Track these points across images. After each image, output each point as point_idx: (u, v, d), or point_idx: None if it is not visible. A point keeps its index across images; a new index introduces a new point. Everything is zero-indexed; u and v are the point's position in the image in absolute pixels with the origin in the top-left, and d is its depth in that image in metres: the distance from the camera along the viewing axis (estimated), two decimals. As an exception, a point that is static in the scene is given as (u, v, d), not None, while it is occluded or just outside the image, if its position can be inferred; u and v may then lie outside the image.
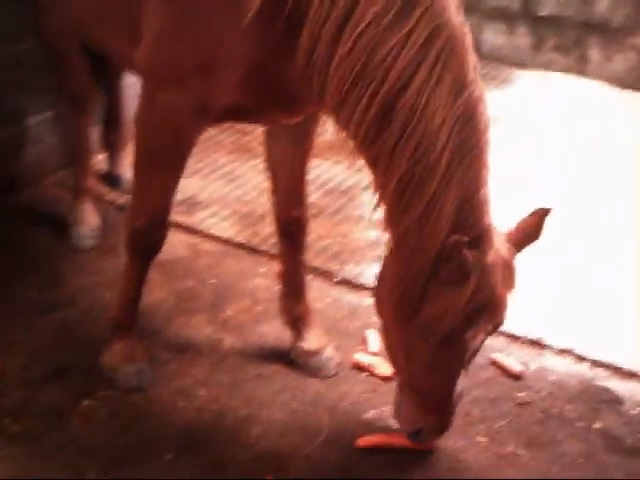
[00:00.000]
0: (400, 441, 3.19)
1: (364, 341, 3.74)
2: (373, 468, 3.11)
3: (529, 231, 2.83)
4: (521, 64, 7.27)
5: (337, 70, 2.60)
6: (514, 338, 3.84)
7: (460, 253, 2.56)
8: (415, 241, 2.66)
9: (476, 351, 2.86)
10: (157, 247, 3.31)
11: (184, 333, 3.73)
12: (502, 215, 4.50)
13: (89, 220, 4.38)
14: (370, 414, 3.34)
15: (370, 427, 3.28)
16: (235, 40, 2.74)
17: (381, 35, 2.54)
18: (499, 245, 2.73)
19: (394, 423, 3.28)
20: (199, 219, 4.59)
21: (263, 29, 2.68)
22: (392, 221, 2.74)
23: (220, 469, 3.04)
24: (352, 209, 4.79)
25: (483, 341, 2.85)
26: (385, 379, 3.51)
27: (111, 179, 4.81)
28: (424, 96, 2.54)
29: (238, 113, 3.04)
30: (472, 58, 2.63)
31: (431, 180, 2.59)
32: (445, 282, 2.64)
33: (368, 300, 3.98)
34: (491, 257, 2.67)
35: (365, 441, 3.20)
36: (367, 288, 4.07)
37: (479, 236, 2.66)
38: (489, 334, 2.85)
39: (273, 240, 3.88)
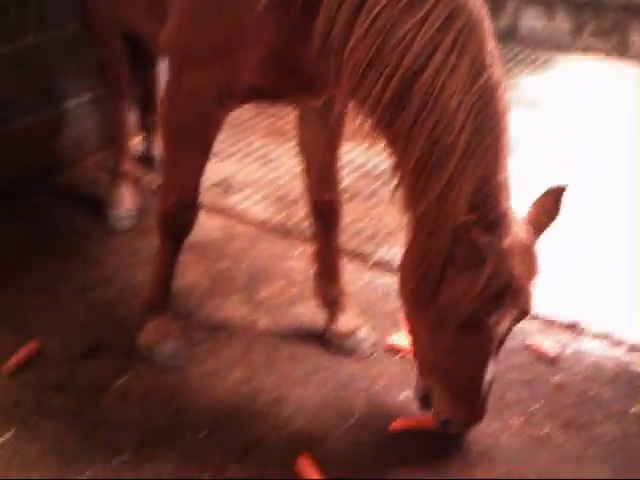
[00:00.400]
0: (433, 424, 3.20)
1: (398, 323, 3.72)
2: (406, 450, 3.11)
3: (547, 211, 2.77)
4: (560, 48, 7.19)
5: (353, 52, 2.58)
6: (550, 322, 3.82)
7: (468, 234, 2.53)
8: (432, 224, 2.62)
9: (503, 338, 2.81)
10: (187, 228, 3.33)
11: (218, 314, 3.75)
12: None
13: (126, 202, 4.42)
14: (404, 396, 3.33)
15: (403, 409, 3.27)
16: (254, 23, 2.75)
17: (397, 17, 2.51)
18: (518, 229, 2.67)
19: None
20: (233, 202, 4.61)
21: (281, 12, 2.69)
22: (410, 204, 2.71)
23: (252, 449, 3.06)
24: (386, 192, 4.72)
25: (510, 328, 2.79)
26: (419, 361, 3.50)
27: (147, 161, 4.85)
28: (440, 79, 2.50)
29: (260, 94, 3.04)
30: (491, 41, 2.58)
31: (448, 162, 2.55)
32: (461, 266, 2.61)
33: (402, 282, 4.00)
34: (508, 241, 2.61)
35: (398, 424, 3.19)
36: (401, 270, 4.08)
37: (496, 220, 2.61)
38: (516, 320, 2.78)
39: (307, 223, 3.88)
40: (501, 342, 2.82)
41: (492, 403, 3.29)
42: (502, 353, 3.52)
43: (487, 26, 2.58)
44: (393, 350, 3.59)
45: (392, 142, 2.68)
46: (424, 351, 2.93)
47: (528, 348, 3.65)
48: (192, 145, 3.13)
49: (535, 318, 3.82)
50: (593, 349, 3.68)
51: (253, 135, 5.39)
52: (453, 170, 2.55)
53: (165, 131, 3.21)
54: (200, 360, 3.47)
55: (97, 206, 4.43)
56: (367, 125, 2.72)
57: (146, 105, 4.84)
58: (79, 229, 4.30)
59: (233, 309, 3.79)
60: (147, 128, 4.90)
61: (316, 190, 3.47)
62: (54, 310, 3.66)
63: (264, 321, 3.73)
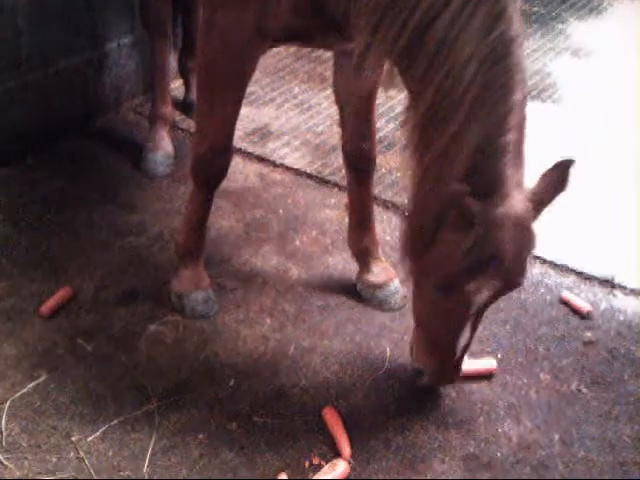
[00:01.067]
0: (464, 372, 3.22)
1: (431, 275, 3.71)
2: (431, 404, 3.13)
3: (554, 184, 2.62)
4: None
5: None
6: (584, 277, 3.78)
7: (461, 202, 2.45)
8: (433, 180, 2.58)
9: (482, 307, 2.73)
10: (221, 174, 3.33)
11: (252, 262, 3.77)
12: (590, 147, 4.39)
13: (164, 147, 4.43)
14: (433, 348, 3.34)
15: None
16: None
17: None
18: (516, 200, 2.54)
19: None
20: (271, 149, 4.59)
21: None
22: (416, 155, 2.64)
23: (279, 398, 3.10)
24: (425, 141, 4.72)
25: (492, 299, 2.70)
26: (450, 314, 3.50)
27: (186, 106, 4.84)
28: (454, 29, 2.42)
29: (293, 35, 3.01)
30: None
31: (454, 117, 2.47)
32: (452, 228, 2.55)
33: (436, 234, 3.97)
34: (502, 210, 2.51)
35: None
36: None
37: (492, 186, 2.51)
38: (498, 294, 2.69)
39: (343, 172, 3.86)
40: (479, 312, 2.76)
41: (521, 357, 3.32)
42: (534, 307, 3.56)
43: None
44: (425, 302, 3.58)
45: (408, 88, 2.63)
46: (413, 300, 2.98)
47: (561, 302, 3.62)
48: (226, 88, 3.12)
49: (570, 272, 3.80)
50: (626, 306, 3.64)
51: (293, 81, 5.33)
52: (458, 127, 2.48)
53: (201, 75, 3.20)
54: (232, 308, 3.50)
55: (135, 151, 4.45)
56: (386, 69, 2.67)
57: (186, 50, 4.81)
58: (117, 174, 4.33)
59: (266, 257, 3.81)
60: (186, 73, 4.88)
61: (351, 138, 3.44)
62: (89, 255, 3.72)
63: (296, 270, 3.74)
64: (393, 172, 4.42)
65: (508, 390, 3.20)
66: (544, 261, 3.85)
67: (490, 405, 3.14)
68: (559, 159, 2.61)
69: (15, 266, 3.61)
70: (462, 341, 2.82)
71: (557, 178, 2.61)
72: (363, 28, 2.61)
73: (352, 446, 2.91)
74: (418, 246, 2.71)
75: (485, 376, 3.24)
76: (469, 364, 3.25)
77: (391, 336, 3.41)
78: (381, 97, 5.08)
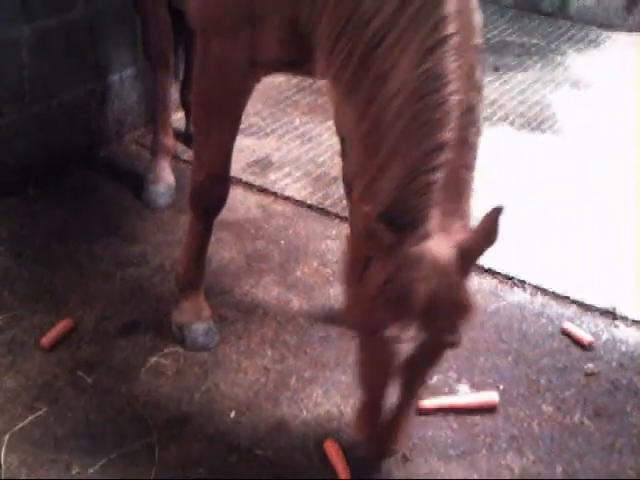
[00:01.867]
0: (462, 403, 3.22)
1: (432, 306, 3.71)
2: (434, 431, 3.11)
3: (483, 235, 2.37)
4: (611, 26, 7.03)
5: (326, 24, 2.56)
6: (586, 307, 3.77)
7: (368, 227, 2.32)
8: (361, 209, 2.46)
9: (414, 364, 2.48)
10: (219, 204, 3.35)
11: (253, 293, 3.77)
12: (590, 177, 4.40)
13: (165, 178, 4.45)
14: (434, 379, 3.32)
15: (434, 392, 3.26)
16: None
17: None
18: (437, 243, 2.36)
19: (458, 388, 3.30)
20: (272, 180, 4.61)
21: None
22: (354, 181, 2.60)
23: (282, 429, 3.08)
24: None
25: (418, 355, 2.45)
26: (451, 345, 3.49)
27: (187, 138, 4.86)
28: (391, 58, 2.38)
29: (283, 65, 3.04)
30: (452, 28, 2.35)
31: (381, 149, 2.41)
32: (374, 262, 2.41)
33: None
34: (417, 250, 2.34)
35: (427, 405, 3.19)
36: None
37: (412, 224, 2.35)
38: (426, 349, 2.46)
39: (344, 203, 3.87)
40: (412, 369, 2.51)
41: (523, 389, 3.31)
42: (536, 338, 3.55)
43: (449, 10, 2.35)
44: (426, 333, 3.57)
45: (356, 112, 2.55)
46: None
47: (563, 333, 3.61)
48: (221, 117, 3.14)
49: (571, 303, 3.80)
50: (628, 337, 3.63)
51: (294, 112, 5.36)
52: (384, 158, 2.40)
53: (196, 105, 3.25)
54: (232, 340, 3.49)
55: (137, 182, 4.47)
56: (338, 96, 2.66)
57: (188, 81, 4.83)
58: (118, 205, 4.34)
59: (267, 288, 3.81)
60: (188, 105, 4.90)
61: (351, 170, 3.45)
62: (91, 287, 3.71)
63: (297, 301, 3.74)
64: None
65: (510, 422, 3.18)
66: (545, 292, 3.85)
67: (492, 437, 3.12)
68: (491, 207, 2.37)
69: (16, 298, 3.61)
70: (388, 401, 2.59)
71: (487, 228, 2.35)
72: (321, 54, 2.62)
73: (354, 479, 2.89)
74: (351, 279, 2.56)
75: (487, 409, 3.22)
76: (471, 397, 3.26)
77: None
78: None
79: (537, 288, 3.86)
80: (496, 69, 6.13)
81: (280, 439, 3.05)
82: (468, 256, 2.39)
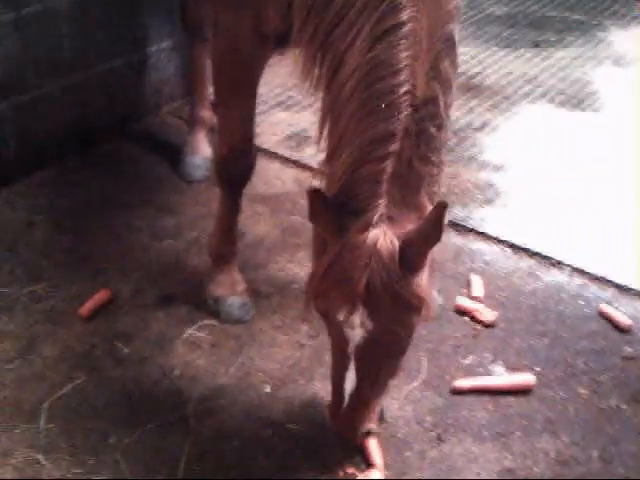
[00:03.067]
0: (497, 384, 3.20)
1: (468, 285, 3.70)
2: (468, 412, 3.10)
3: (427, 230, 2.30)
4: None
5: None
6: (624, 290, 3.72)
7: (310, 199, 2.32)
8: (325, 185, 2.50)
9: (368, 352, 2.48)
10: (243, 176, 3.36)
11: (288, 268, 3.77)
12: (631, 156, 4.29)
13: (202, 151, 4.45)
14: (469, 359, 3.32)
15: (468, 372, 3.26)
16: None
17: None
18: (379, 234, 2.32)
19: (493, 369, 3.28)
20: (308, 154, 4.58)
21: None
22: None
23: (316, 405, 3.09)
24: (463, 150, 4.70)
25: (375, 345, 2.46)
26: (487, 325, 3.48)
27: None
28: (347, 40, 2.33)
29: (288, 40, 2.96)
30: (412, 7, 2.28)
31: (334, 132, 2.40)
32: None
33: (474, 244, 3.96)
34: (358, 238, 2.32)
35: (462, 385, 3.19)
36: (474, 231, 4.03)
37: (357, 212, 2.34)
38: (383, 339, 2.45)
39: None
40: (366, 357, 2.50)
41: (559, 372, 3.28)
42: (573, 320, 3.52)
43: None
44: (461, 312, 3.56)
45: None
46: None
47: (601, 315, 3.58)
48: (237, 89, 3.16)
49: (609, 285, 3.75)
50: (668, 320, 3.59)
51: (331, 86, 5.32)
52: (337, 141, 2.38)
53: (215, 79, 3.27)
54: (268, 314, 3.50)
55: (174, 154, 4.47)
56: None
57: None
58: (155, 177, 4.35)
59: (303, 263, 3.79)
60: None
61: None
62: (127, 258, 3.74)
63: (333, 277, 3.73)
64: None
65: (546, 404, 3.16)
66: (583, 273, 3.81)
67: (527, 419, 3.10)
68: (438, 201, 2.31)
69: (56, 268, 3.65)
70: (347, 385, 2.58)
71: (431, 224, 2.28)
72: (297, 22, 2.57)
73: (386, 457, 2.89)
74: (313, 259, 2.61)
75: (523, 391, 3.20)
76: (506, 378, 3.24)
77: (427, 347, 3.38)
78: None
79: (575, 269, 3.82)
80: (536, 45, 6.05)
81: (314, 414, 3.06)
82: (411, 250, 2.33)
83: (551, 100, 5.29)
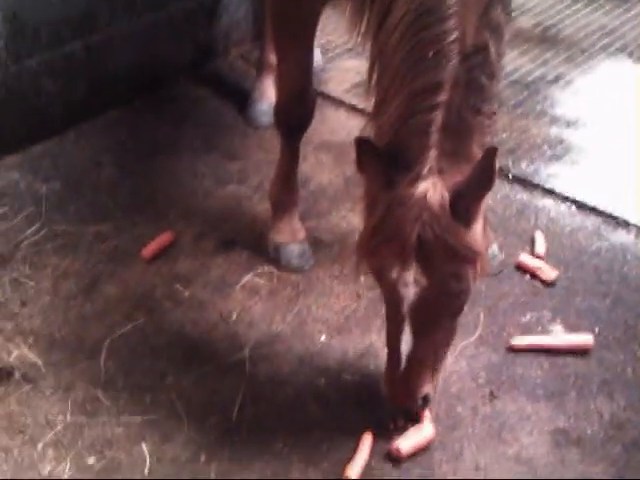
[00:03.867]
0: (554, 344, 3.17)
1: (531, 242, 3.64)
2: (523, 370, 3.08)
3: (478, 178, 2.28)
4: None
5: None
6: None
7: (361, 156, 2.29)
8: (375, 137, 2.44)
9: (421, 311, 2.42)
10: (301, 123, 3.36)
11: (349, 217, 3.75)
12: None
13: (269, 97, 4.41)
14: (527, 317, 3.29)
15: (526, 330, 3.23)
16: None
17: None
18: (429, 185, 2.28)
19: (551, 328, 3.24)
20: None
21: None
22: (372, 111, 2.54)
23: (370, 356, 3.10)
24: (534, 103, 4.59)
25: (430, 303, 2.40)
26: (548, 284, 3.43)
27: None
28: None
29: None
30: None
31: (384, 79, 2.37)
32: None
33: (540, 200, 3.89)
34: (407, 191, 2.27)
35: (519, 343, 3.16)
36: (540, 187, 3.96)
37: (407, 164, 2.29)
38: (438, 298, 2.39)
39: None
40: (420, 316, 2.44)
41: (620, 333, 3.23)
42: (637, 282, 3.46)
43: None
44: (522, 269, 3.51)
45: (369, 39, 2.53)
46: None
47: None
48: (292, 35, 3.15)
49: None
50: None
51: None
52: (387, 88, 2.35)
53: (271, 26, 3.30)
54: (327, 263, 3.51)
55: (241, 98, 4.47)
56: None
57: None
58: (221, 121, 4.36)
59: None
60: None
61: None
62: (190, 202, 3.78)
63: (394, 228, 3.71)
64: (499, 132, 4.29)
65: (604, 366, 3.12)
66: (651, 232, 3.73)
67: (583, 380, 3.07)
68: (487, 147, 2.28)
69: (119, 209, 3.71)
70: (404, 348, 2.51)
71: (481, 171, 2.26)
72: None
73: (438, 411, 2.90)
74: (363, 216, 2.54)
75: (581, 351, 3.17)
76: (564, 338, 3.21)
77: (485, 303, 3.35)
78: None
79: (641, 228, 3.74)
80: (618, -4, 5.84)
81: (368, 365, 3.07)
82: (463, 201, 2.29)
83: (630, 54, 5.11)
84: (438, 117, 2.28)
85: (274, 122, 3.45)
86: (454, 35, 2.26)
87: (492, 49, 2.36)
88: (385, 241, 2.35)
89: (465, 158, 2.36)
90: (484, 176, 2.26)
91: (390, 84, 2.34)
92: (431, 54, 2.26)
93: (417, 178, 2.28)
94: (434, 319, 2.50)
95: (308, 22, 3.13)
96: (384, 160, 2.31)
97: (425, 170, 2.29)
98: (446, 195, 2.29)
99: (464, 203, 2.30)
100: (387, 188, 2.32)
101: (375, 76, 2.46)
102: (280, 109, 3.35)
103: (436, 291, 2.39)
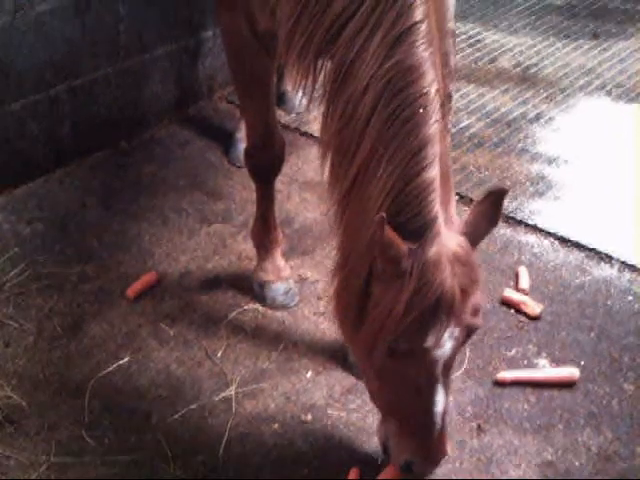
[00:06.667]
0: (540, 377, 3.18)
1: (515, 277, 3.66)
2: (510, 404, 3.08)
3: (485, 217, 2.30)
4: None
5: (286, 2, 2.39)
6: (675, 286, 3.67)
7: (381, 238, 2.13)
8: (352, 223, 2.31)
9: (449, 360, 2.36)
10: (271, 168, 3.41)
11: (334, 255, 3.75)
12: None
13: (253, 137, 4.46)
14: (513, 352, 3.30)
15: (512, 364, 3.24)
16: None
17: None
18: (448, 237, 2.25)
19: (537, 362, 3.25)
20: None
21: None
22: (331, 189, 2.39)
23: (357, 392, 3.09)
24: (516, 141, 4.64)
25: (456, 348, 2.34)
26: (533, 318, 3.45)
27: (278, 97, 4.86)
28: (354, 48, 2.18)
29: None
30: (423, 4, 2.18)
31: (357, 152, 2.22)
32: (384, 279, 2.23)
33: (523, 236, 3.92)
34: (436, 251, 2.19)
35: (505, 377, 3.16)
36: (523, 224, 3.99)
37: (420, 227, 2.20)
38: (463, 338, 2.34)
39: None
40: (447, 365, 2.37)
41: (604, 366, 3.24)
42: (621, 315, 3.47)
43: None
44: (507, 304, 3.53)
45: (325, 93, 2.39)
46: (366, 383, 2.60)
47: (649, 312, 3.53)
48: (248, 86, 3.20)
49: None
50: None
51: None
52: (364, 159, 2.22)
53: (231, 75, 3.36)
54: (312, 300, 3.51)
55: (225, 139, 4.50)
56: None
57: (279, 40, 4.84)
58: (206, 161, 4.39)
59: (349, 251, 3.80)
60: (279, 64, 4.89)
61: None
62: (176, 241, 3.78)
63: (379, 265, 3.72)
64: (482, 170, 4.35)
65: (590, 399, 3.13)
66: (633, 268, 3.75)
67: (570, 413, 3.08)
68: (491, 187, 2.30)
69: (104, 248, 3.71)
70: (439, 407, 2.40)
71: (489, 210, 2.29)
72: (283, 31, 2.44)
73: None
74: (353, 313, 2.36)
75: (566, 384, 3.17)
76: (550, 371, 3.21)
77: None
78: (472, 94, 5.05)
79: (625, 264, 3.76)
80: (595, 36, 5.95)
81: (354, 401, 3.07)
82: (475, 239, 2.31)
83: (608, 93, 5.19)
84: (437, 171, 2.22)
85: (245, 165, 3.52)
86: (436, 86, 2.23)
87: (452, 94, 2.39)
88: (429, 304, 2.21)
89: (448, 200, 2.34)
90: (494, 215, 2.29)
91: (370, 152, 2.21)
92: (421, 110, 2.19)
93: (437, 236, 2.22)
94: (454, 361, 2.43)
95: (262, 77, 3.16)
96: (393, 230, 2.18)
97: (440, 226, 2.23)
98: (466, 244, 2.28)
99: (475, 243, 2.32)
100: (409, 260, 2.19)
101: (338, 146, 2.31)
102: (247, 153, 3.42)
103: (465, 334, 2.35)
